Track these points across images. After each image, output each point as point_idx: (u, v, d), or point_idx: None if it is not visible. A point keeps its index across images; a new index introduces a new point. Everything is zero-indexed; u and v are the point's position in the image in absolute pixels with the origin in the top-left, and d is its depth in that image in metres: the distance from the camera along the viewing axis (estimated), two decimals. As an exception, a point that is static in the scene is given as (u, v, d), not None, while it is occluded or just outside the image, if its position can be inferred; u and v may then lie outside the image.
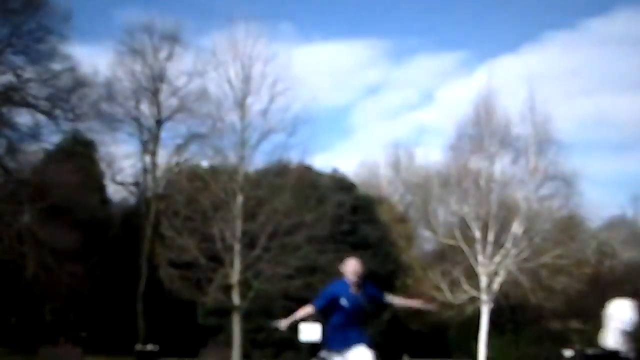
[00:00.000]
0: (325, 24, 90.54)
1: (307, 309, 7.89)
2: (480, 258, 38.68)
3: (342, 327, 7.91)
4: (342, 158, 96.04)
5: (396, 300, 8.64)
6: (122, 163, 50.33)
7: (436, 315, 42.26)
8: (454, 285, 39.06)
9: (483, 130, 39.89)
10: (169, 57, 49.49)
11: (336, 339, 7.98)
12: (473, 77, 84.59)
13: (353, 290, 7.83)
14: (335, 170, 52.75)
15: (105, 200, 49.39)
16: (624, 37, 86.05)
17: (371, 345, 7.94)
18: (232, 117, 38.06)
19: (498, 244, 38.66)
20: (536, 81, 46.88)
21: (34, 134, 41.19)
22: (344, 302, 7.76)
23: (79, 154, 43.85)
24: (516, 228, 38.46)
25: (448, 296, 38.59)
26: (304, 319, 8.12)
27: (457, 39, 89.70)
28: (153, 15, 52.74)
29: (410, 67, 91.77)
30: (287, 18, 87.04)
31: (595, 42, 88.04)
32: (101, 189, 49.11)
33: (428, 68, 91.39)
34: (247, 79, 38.06)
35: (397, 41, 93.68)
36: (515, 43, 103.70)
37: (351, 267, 7.88)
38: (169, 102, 49.47)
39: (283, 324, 8.07)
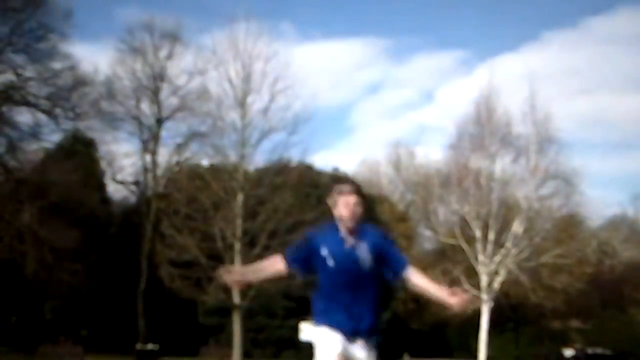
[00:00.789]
0: (325, 23, 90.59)
1: (275, 264, 5.47)
2: (480, 257, 38.65)
3: (331, 300, 5.27)
4: (343, 157, 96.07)
5: (419, 280, 5.25)
6: (123, 162, 50.41)
7: (436, 314, 42.29)
8: (454, 284, 38.85)
9: (484, 129, 39.87)
10: (170, 55, 49.54)
11: (325, 316, 5.28)
12: (473, 76, 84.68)
13: (347, 241, 5.23)
14: (335, 169, 52.83)
15: (105, 199, 49.41)
16: (624, 37, 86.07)
17: (375, 338, 5.24)
18: (233, 115, 38.07)
19: (498, 243, 38.64)
20: (537, 80, 46.92)
21: (35, 133, 41.14)
22: (328, 259, 5.21)
23: (80, 153, 43.88)
24: (517, 227, 38.43)
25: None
26: (271, 279, 5.69)
27: (457, 38, 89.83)
28: (153, 14, 52.86)
29: (410, 66, 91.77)
30: (288, 17, 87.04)
31: (596, 41, 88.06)
32: (101, 187, 49.13)
33: (428, 67, 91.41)
34: (247, 78, 38.06)
35: (397, 40, 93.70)
36: (515, 42, 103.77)
37: (345, 202, 5.25)
38: (169, 101, 49.55)
39: (231, 277, 5.58)
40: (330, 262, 5.21)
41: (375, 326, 5.28)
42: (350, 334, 5.15)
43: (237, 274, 5.80)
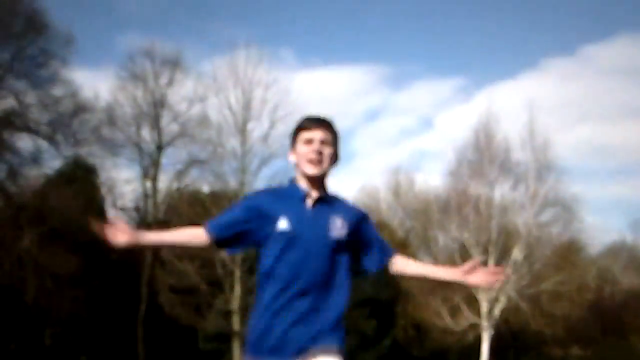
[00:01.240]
0: (325, 50, 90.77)
1: (192, 231, 3.90)
2: (480, 284, 38.59)
3: (281, 297, 3.57)
4: (342, 183, 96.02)
5: (412, 265, 3.99)
6: (123, 188, 50.39)
7: (437, 342, 42.11)
8: (454, 311, 38.96)
9: (483, 156, 39.98)
10: (170, 82, 49.69)
11: (267, 327, 3.59)
12: (472, 103, 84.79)
13: (308, 199, 3.75)
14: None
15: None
16: (623, 65, 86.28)
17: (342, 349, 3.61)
18: (233, 142, 38.32)
19: (499, 270, 38.60)
20: (535, 107, 47.10)
21: (35, 159, 41.24)
22: (283, 224, 3.64)
23: (80, 179, 43.90)
24: (516, 254, 38.44)
25: (449, 322, 38.52)
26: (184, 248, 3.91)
27: (456, 65, 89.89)
28: (154, 41, 52.99)
29: (409, 93, 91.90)
30: (288, 44, 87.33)
31: (594, 70, 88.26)
32: (102, 214, 49.09)
33: (427, 94, 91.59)
34: (247, 105, 38.30)
35: (396, 67, 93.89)
36: (514, 69, 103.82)
37: (307, 139, 3.78)
38: (169, 127, 49.63)
39: (122, 237, 3.77)
40: (285, 227, 3.62)
41: (340, 325, 3.66)
42: (306, 349, 3.55)
43: (126, 232, 3.84)
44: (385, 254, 3.95)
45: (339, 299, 3.65)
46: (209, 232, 3.78)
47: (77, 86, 41.42)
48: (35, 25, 39.24)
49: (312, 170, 3.71)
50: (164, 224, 42.96)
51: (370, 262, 3.91)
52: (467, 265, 3.78)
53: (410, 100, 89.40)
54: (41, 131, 40.51)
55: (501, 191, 40.62)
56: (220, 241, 3.81)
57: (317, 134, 3.74)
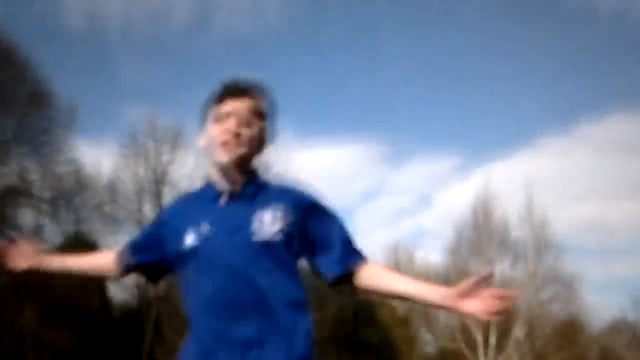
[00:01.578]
0: (323, 129, 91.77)
1: (104, 258, 3.31)
2: (482, 362, 38.43)
3: (209, 336, 2.74)
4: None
5: (389, 277, 2.77)
6: (124, 264, 50.31)
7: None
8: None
9: (481, 234, 40.19)
10: (172, 160, 50.11)
11: None
12: (470, 180, 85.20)
13: (223, 194, 2.83)
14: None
15: (106, 301, 49.20)
16: (617, 143, 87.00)
17: None
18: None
19: (500, 348, 38.44)
20: (532, 185, 47.54)
21: (37, 234, 41.32)
22: (189, 237, 2.77)
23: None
24: (517, 332, 38.30)
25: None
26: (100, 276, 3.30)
27: (453, 143, 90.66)
28: (156, 115, 53.56)
29: (407, 172, 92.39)
30: (287, 123, 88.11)
31: (591, 147, 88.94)
32: (102, 290, 48.98)
33: (425, 173, 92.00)
34: (248, 181, 38.60)
35: (393, 146, 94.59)
36: (510, 148, 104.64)
37: (222, 113, 2.81)
38: (170, 203, 49.83)
39: (23, 262, 3.29)
40: (190, 240, 2.75)
41: (305, 351, 2.66)
42: None
43: (28, 255, 3.28)
44: (347, 259, 2.79)
45: (292, 319, 2.71)
46: (120, 259, 3.10)
47: (80, 163, 41.86)
48: (38, 102, 39.74)
49: (224, 157, 2.74)
50: (165, 300, 42.91)
51: (325, 268, 2.85)
52: (464, 284, 2.56)
53: (408, 179, 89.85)
54: (43, 208, 40.74)
55: (501, 268, 40.69)
56: (135, 268, 3.12)
57: (235, 107, 2.78)
